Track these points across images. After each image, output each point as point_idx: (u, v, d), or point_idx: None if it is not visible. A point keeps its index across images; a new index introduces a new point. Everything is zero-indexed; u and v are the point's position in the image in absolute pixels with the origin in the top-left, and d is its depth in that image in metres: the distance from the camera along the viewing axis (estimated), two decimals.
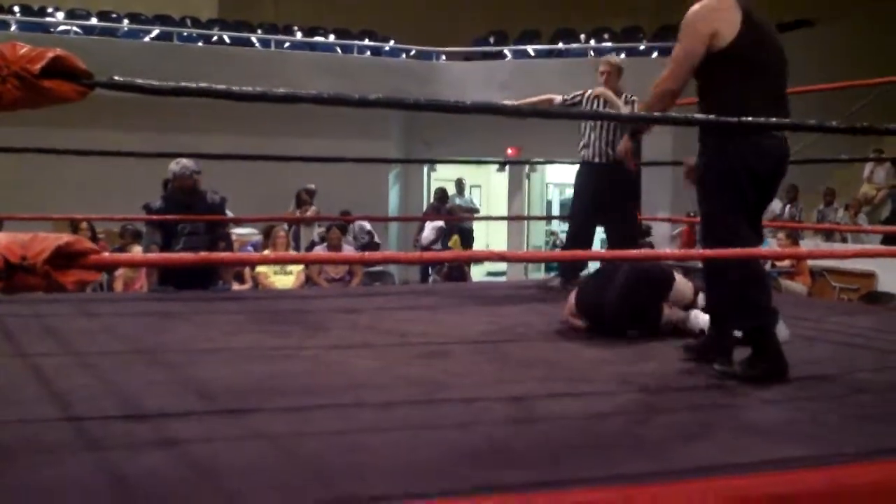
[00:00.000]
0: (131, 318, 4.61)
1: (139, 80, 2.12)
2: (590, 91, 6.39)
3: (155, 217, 6.25)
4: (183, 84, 2.18)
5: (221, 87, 2.22)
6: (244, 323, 4.73)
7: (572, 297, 4.71)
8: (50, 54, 2.01)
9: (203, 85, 2.21)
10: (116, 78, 2.10)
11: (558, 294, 6.08)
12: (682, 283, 4.49)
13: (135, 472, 2.17)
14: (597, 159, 6.24)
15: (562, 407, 3.04)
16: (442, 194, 14.27)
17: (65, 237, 2.02)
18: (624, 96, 6.29)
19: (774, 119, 3.21)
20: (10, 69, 1.98)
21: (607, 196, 6.20)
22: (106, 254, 2.10)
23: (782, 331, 3.97)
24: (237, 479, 2.16)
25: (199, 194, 6.41)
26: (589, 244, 6.40)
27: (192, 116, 12.54)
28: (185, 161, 6.35)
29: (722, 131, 3.46)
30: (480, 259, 3.19)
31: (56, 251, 1.97)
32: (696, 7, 3.48)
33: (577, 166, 6.46)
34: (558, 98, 6.47)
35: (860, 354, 4.09)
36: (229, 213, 7.33)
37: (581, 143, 6.35)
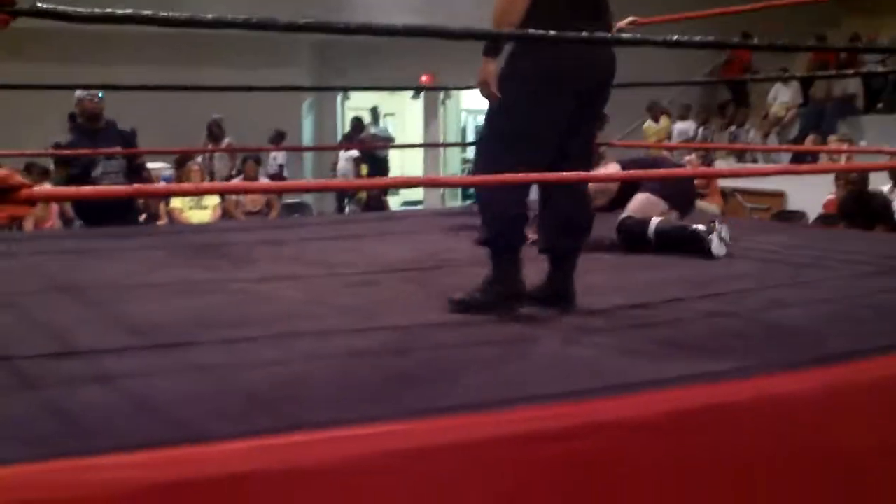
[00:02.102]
0: (48, 256, 4.51)
1: (65, 8, 2.04)
2: None
3: (69, 152, 6.07)
4: (110, 10, 2.11)
5: (148, 12, 2.16)
6: (166, 258, 4.66)
7: None
8: None
9: (129, 11, 2.14)
10: (40, 5, 2.02)
11: (470, 220, 6.12)
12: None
13: (75, 407, 2.14)
14: None
15: (497, 330, 3.08)
16: (357, 123, 14.18)
17: None
18: None
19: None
20: None
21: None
22: (38, 188, 2.05)
23: (717, 247, 4.07)
24: (178, 409, 2.15)
25: (108, 123, 6.26)
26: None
27: (92, 46, 12.14)
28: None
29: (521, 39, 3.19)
30: (415, 185, 3.19)
31: None
32: None
33: None
34: None
35: (778, 269, 4.22)
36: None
37: None
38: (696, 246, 4.40)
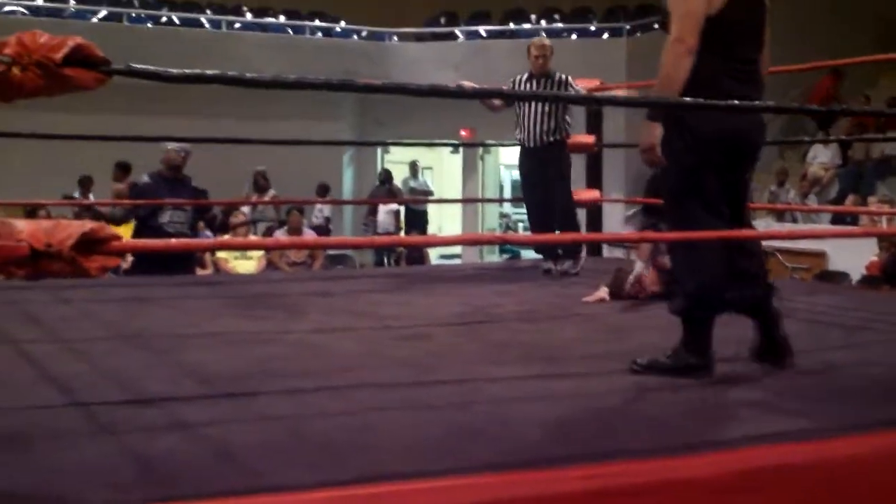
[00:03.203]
0: (108, 303, 4.61)
1: (155, 68, 2.14)
2: (518, 76, 6.34)
3: (127, 202, 6.29)
4: (197, 71, 2.20)
5: (233, 73, 2.25)
6: (221, 307, 4.75)
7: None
8: (71, 42, 2.03)
9: (215, 72, 2.23)
10: (133, 65, 2.12)
11: (523, 275, 6.18)
12: None
13: (154, 454, 2.20)
14: (529, 143, 6.20)
15: (552, 386, 3.12)
16: (386, 176, 14.35)
17: (88, 224, 2.05)
18: (558, 75, 6.23)
19: (745, 97, 3.17)
20: (32, 57, 2.00)
21: (540, 176, 6.21)
22: (125, 240, 2.13)
23: None
24: (254, 458, 2.20)
25: (185, 177, 6.58)
26: (551, 221, 6.28)
27: (141, 98, 12.39)
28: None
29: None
30: (485, 243, 3.25)
31: (81, 237, 1.99)
32: None
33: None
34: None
35: (830, 331, 4.23)
36: None
37: (516, 128, 6.32)
38: None
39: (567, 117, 6.22)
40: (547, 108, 6.11)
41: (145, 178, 6.56)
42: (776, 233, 3.38)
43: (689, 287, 3.30)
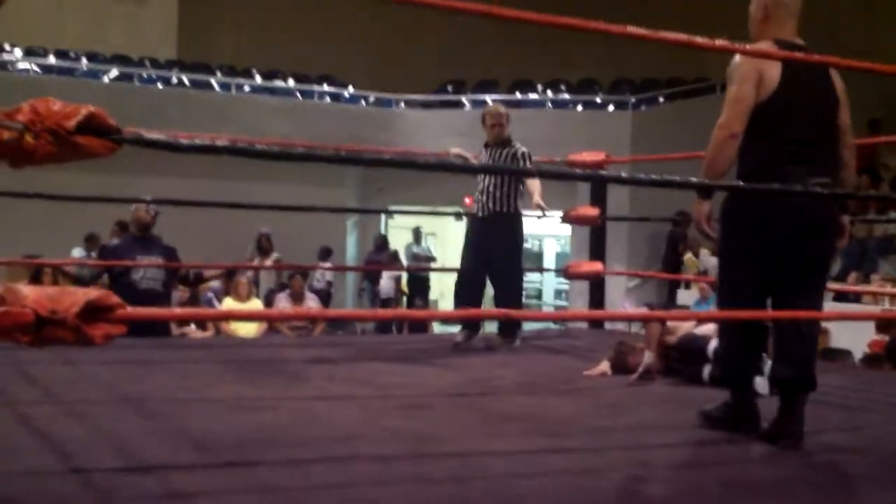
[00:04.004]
0: (108, 365, 4.58)
1: (166, 138, 2.16)
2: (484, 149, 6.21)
3: (117, 263, 6.29)
4: (208, 142, 2.22)
5: (244, 144, 2.28)
6: (220, 372, 4.73)
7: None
8: (83, 111, 2.06)
9: (227, 143, 2.26)
10: (145, 134, 2.14)
11: (523, 346, 6.15)
12: None
13: None
14: (481, 212, 6.02)
15: (551, 461, 3.10)
16: (383, 241, 14.40)
17: (93, 291, 2.05)
18: (517, 147, 6.05)
19: (800, 180, 3.24)
20: (44, 125, 2.02)
21: (486, 246, 6.00)
22: (132, 308, 2.13)
23: (762, 386, 4.07)
24: None
25: (155, 236, 6.60)
26: (480, 295, 6.18)
27: (144, 157, 12.48)
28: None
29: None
30: (488, 318, 3.26)
31: (86, 305, 2.00)
32: (738, 57, 3.41)
33: (531, 216, 6.26)
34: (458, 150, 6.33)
35: (830, 412, 4.20)
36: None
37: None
38: None
39: (521, 187, 5.97)
40: (498, 179, 5.94)
41: (115, 241, 6.61)
42: (780, 314, 3.39)
43: (721, 356, 3.63)
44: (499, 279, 6.05)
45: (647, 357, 4.79)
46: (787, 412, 3.36)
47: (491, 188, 5.94)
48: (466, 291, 6.02)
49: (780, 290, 3.46)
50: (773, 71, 3.32)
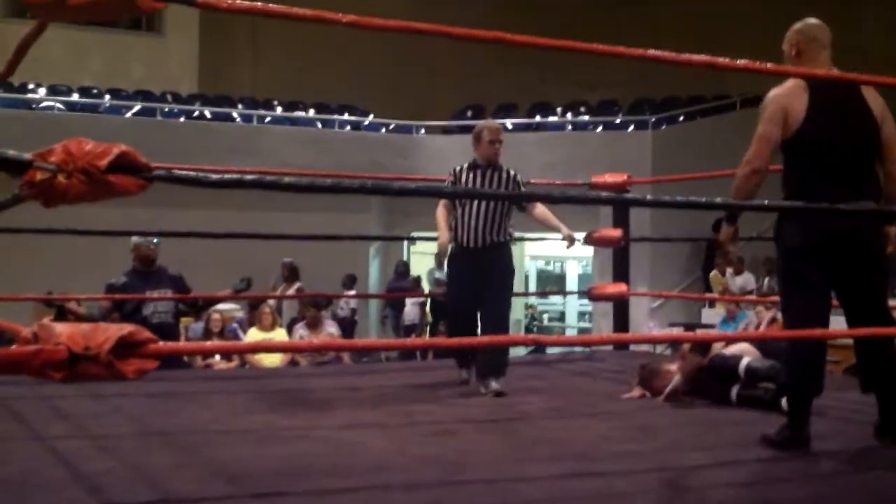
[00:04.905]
0: (136, 398, 4.62)
1: (196, 174, 2.20)
2: (458, 166, 5.64)
3: (129, 296, 6.26)
4: (236, 176, 2.25)
5: (272, 177, 2.31)
6: (249, 402, 4.76)
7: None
8: (115, 150, 2.10)
9: (256, 177, 2.29)
10: (176, 172, 2.18)
11: (551, 370, 6.14)
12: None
13: None
14: (470, 243, 5.42)
15: (580, 485, 3.10)
16: (404, 268, 14.43)
17: (126, 327, 2.08)
18: (507, 169, 5.54)
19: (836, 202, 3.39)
20: (77, 165, 2.06)
21: (476, 279, 5.42)
22: (162, 343, 2.16)
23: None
24: None
25: (160, 267, 6.53)
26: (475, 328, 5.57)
27: (169, 189, 12.57)
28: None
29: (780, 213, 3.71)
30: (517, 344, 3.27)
31: (119, 341, 2.03)
32: (772, 91, 3.63)
33: (556, 241, 6.04)
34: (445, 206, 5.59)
35: (859, 429, 4.16)
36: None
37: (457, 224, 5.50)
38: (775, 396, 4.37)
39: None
40: (492, 205, 5.38)
41: (122, 279, 6.52)
42: (807, 333, 3.45)
43: (786, 370, 3.76)
44: (489, 310, 5.50)
45: (675, 380, 4.78)
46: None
47: (490, 214, 5.39)
48: (465, 329, 5.48)
49: (847, 304, 3.70)
50: (799, 106, 3.53)
